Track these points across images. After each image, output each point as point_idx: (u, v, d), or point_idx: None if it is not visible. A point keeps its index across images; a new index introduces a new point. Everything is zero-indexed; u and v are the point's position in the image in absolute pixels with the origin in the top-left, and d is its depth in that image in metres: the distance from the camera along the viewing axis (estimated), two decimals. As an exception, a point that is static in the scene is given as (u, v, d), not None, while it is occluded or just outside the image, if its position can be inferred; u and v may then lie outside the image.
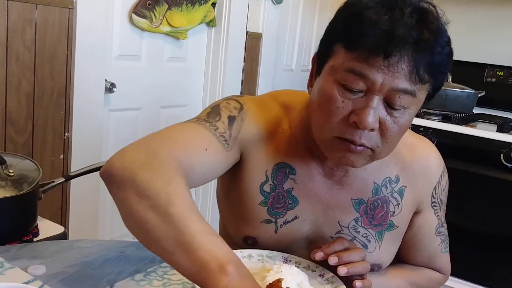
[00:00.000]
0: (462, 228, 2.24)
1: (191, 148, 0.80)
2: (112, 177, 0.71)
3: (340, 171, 0.92)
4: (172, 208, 0.65)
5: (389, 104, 0.77)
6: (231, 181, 0.95)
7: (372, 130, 0.77)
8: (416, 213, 0.97)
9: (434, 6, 0.78)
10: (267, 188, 0.92)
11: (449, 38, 0.77)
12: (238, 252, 0.87)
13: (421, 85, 0.76)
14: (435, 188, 0.97)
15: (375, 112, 0.76)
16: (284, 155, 0.92)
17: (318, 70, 0.84)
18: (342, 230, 0.92)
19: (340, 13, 0.80)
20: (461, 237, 2.21)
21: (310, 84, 0.88)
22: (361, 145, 0.79)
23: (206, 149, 0.82)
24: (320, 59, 0.83)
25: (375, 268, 0.94)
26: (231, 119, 0.89)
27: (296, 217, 0.92)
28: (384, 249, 0.94)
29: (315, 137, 0.85)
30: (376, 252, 0.93)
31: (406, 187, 0.94)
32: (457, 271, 2.23)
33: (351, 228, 0.92)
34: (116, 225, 2.22)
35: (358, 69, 0.75)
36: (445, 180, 0.99)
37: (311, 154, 0.92)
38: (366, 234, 0.93)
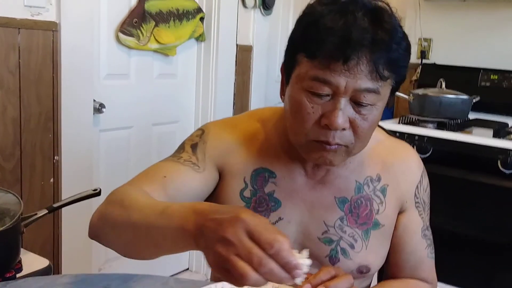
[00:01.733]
0: (461, 235, 2.20)
1: (149, 179, 0.89)
2: (94, 232, 0.83)
3: (321, 171, 0.95)
4: (132, 217, 0.73)
5: (356, 103, 0.81)
6: (213, 196, 0.98)
7: (343, 129, 0.82)
8: (400, 213, 0.99)
9: (387, 4, 0.83)
10: (247, 193, 0.95)
11: (404, 33, 0.82)
12: (213, 286, 0.87)
13: (383, 82, 0.80)
14: (417, 187, 1.00)
15: (344, 113, 0.81)
16: (262, 161, 0.96)
17: (286, 80, 0.88)
18: (329, 230, 0.94)
19: (299, 23, 0.85)
20: (459, 245, 2.18)
21: (282, 93, 0.92)
22: (336, 144, 0.83)
23: (165, 177, 0.89)
24: (287, 69, 0.88)
25: (363, 270, 0.96)
26: (194, 146, 0.96)
27: (280, 219, 0.94)
28: (371, 248, 0.95)
29: (292, 142, 0.89)
30: (363, 252, 0.95)
31: (388, 185, 0.97)
32: (456, 279, 2.20)
33: (337, 227, 0.94)
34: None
35: (322, 76, 0.79)
36: (426, 181, 1.03)
37: (290, 157, 0.95)
38: (353, 233, 0.94)
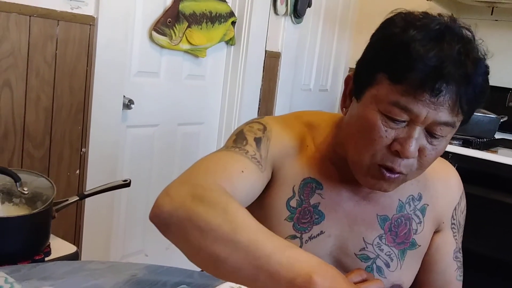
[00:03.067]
0: (482, 256, 2.18)
1: (230, 174, 0.82)
2: (165, 220, 0.72)
3: (368, 188, 0.92)
4: (238, 234, 0.65)
5: (429, 133, 0.80)
6: (257, 199, 0.93)
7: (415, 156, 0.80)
8: (435, 232, 0.98)
9: (473, 34, 0.80)
10: (293, 203, 0.92)
11: (487, 66, 0.79)
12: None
13: (461, 116, 0.79)
14: (455, 208, 0.99)
15: (417, 141, 0.79)
16: (311, 171, 0.93)
17: (356, 94, 0.85)
18: (367, 247, 0.93)
19: (384, 42, 0.80)
20: (480, 265, 2.15)
21: (344, 105, 0.89)
22: (398, 173, 0.81)
23: (243, 171, 0.84)
24: (360, 84, 0.84)
25: None
26: (258, 140, 0.90)
27: (321, 232, 0.92)
28: (405, 268, 0.94)
29: (351, 161, 0.87)
30: (397, 271, 0.94)
31: (428, 205, 0.96)
32: (476, 301, 2.17)
33: (375, 245, 0.93)
34: (128, 241, 2.21)
35: (404, 103, 0.76)
36: (464, 203, 1.01)
37: (337, 170, 0.93)
38: (389, 252, 0.93)
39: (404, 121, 0.78)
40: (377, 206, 0.93)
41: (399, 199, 0.94)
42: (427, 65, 0.73)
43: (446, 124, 0.78)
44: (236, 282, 0.68)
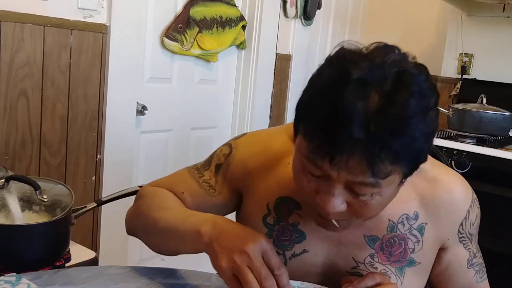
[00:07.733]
0: (498, 254, 2.16)
1: (173, 191, 0.98)
2: (130, 230, 1.04)
3: None
4: (159, 223, 0.90)
5: (352, 191, 0.71)
6: (238, 216, 0.98)
7: (340, 211, 0.73)
8: (442, 249, 0.92)
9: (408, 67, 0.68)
10: (270, 220, 0.91)
11: (421, 109, 0.65)
12: None
13: (383, 174, 0.67)
14: (461, 224, 0.91)
15: (339, 197, 0.71)
16: (287, 189, 0.89)
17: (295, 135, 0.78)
18: (358, 266, 0.88)
19: (306, 90, 0.74)
20: (497, 263, 2.14)
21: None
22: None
23: (183, 193, 0.97)
24: (294, 125, 0.76)
25: None
26: (218, 167, 0.98)
27: (305, 251, 0.89)
28: (407, 284, 0.88)
29: None
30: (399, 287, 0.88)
31: (426, 224, 0.88)
32: (494, 300, 2.16)
33: (367, 264, 0.87)
34: (145, 246, 2.22)
35: (313, 159, 0.69)
36: (475, 213, 0.92)
37: None
38: (385, 270, 0.87)
39: (321, 176, 0.71)
40: (362, 227, 0.87)
41: (389, 219, 0.87)
42: (320, 131, 0.66)
43: (365, 184, 0.68)
44: (179, 253, 0.89)
